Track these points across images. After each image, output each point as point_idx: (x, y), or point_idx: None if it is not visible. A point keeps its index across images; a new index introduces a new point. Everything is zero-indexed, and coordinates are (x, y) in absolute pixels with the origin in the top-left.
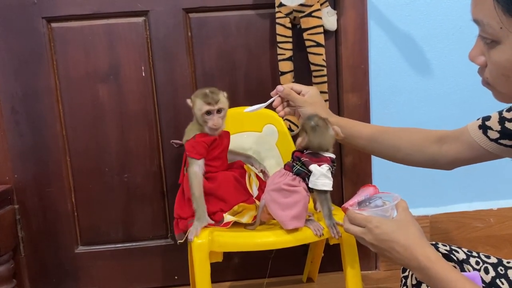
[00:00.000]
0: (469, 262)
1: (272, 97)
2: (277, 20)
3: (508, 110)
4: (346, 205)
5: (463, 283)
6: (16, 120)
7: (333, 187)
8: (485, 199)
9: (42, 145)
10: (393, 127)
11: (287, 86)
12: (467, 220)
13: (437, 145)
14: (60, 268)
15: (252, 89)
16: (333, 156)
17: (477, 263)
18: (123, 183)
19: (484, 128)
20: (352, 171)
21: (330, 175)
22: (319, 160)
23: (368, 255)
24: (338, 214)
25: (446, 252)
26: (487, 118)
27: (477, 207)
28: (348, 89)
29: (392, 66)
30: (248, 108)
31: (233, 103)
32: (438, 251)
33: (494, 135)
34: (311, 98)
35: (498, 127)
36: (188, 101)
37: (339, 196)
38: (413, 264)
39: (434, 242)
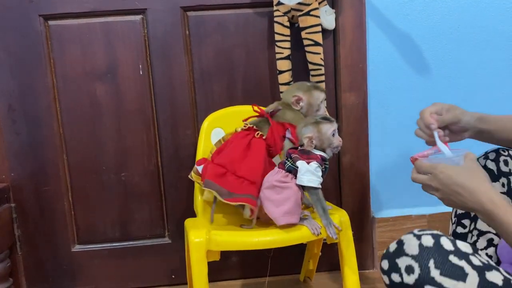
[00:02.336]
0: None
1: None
2: (275, 19)
3: None
4: (415, 156)
5: None
6: (12, 118)
7: (330, 186)
8: None
9: (39, 144)
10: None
11: (428, 117)
12: None
13: None
14: (57, 267)
15: (250, 88)
16: (324, 154)
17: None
18: (120, 182)
19: None
20: (349, 170)
21: (319, 173)
22: (309, 158)
23: (366, 254)
24: (335, 213)
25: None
26: None
27: None
28: (346, 89)
29: (390, 66)
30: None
31: (231, 101)
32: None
33: None
34: (449, 105)
35: None
36: (294, 98)
37: (336, 195)
38: (477, 207)
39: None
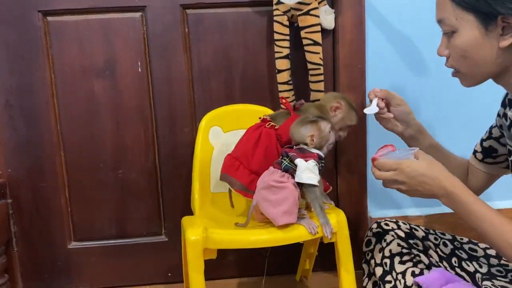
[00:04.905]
0: (429, 238)
1: (370, 99)
2: (275, 18)
3: (485, 134)
4: (375, 156)
5: (481, 205)
6: (10, 114)
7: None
8: (490, 199)
9: (36, 140)
10: (452, 154)
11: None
12: (461, 221)
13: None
14: (53, 263)
15: (249, 87)
16: (321, 153)
17: (436, 239)
18: (117, 179)
19: (474, 152)
20: (346, 169)
21: (316, 171)
22: (306, 156)
23: (362, 253)
24: (332, 212)
25: (408, 231)
26: (476, 144)
27: None
28: (344, 88)
29: (389, 66)
30: (366, 110)
31: (229, 100)
32: (400, 228)
33: (479, 156)
34: (402, 98)
35: (480, 148)
36: (336, 104)
37: (333, 194)
38: (441, 192)
39: (395, 220)
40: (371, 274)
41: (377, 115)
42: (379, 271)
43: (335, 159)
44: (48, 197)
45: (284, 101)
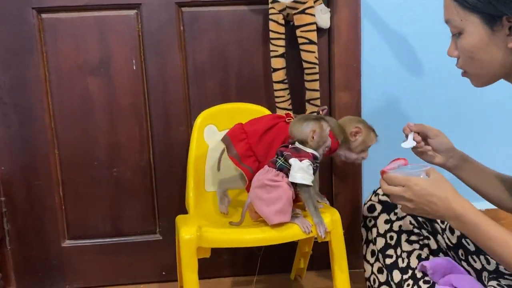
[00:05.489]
0: (436, 220)
1: (405, 134)
2: (270, 17)
3: None
4: (384, 169)
5: (493, 225)
6: (3, 112)
7: (322, 185)
8: (476, 199)
9: (30, 137)
10: (502, 174)
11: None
12: None
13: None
14: (47, 262)
15: (244, 85)
16: (316, 153)
17: (442, 222)
18: (111, 177)
19: None
20: (342, 169)
21: (310, 171)
22: (301, 155)
23: (357, 253)
24: (326, 212)
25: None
26: None
27: None
28: (340, 88)
29: (385, 66)
30: (404, 144)
31: (225, 99)
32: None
33: None
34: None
35: None
36: (354, 130)
37: (328, 194)
38: (449, 213)
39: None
40: (370, 241)
41: (415, 150)
42: (380, 242)
43: (330, 159)
44: (42, 195)
45: (285, 112)
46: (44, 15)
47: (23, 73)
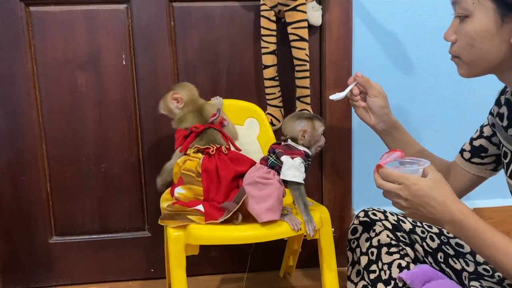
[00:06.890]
0: (416, 231)
1: (348, 83)
2: (262, 13)
3: (476, 132)
4: (380, 163)
5: (493, 232)
6: None
7: (312, 182)
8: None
9: (17, 132)
10: (426, 150)
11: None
12: None
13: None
14: (33, 258)
15: (234, 82)
16: (308, 151)
17: (422, 232)
18: (100, 173)
19: (461, 151)
20: (332, 167)
21: (302, 168)
22: (293, 153)
23: (345, 252)
24: (315, 210)
25: (395, 222)
26: (464, 144)
27: None
28: (330, 85)
29: (375, 64)
30: (332, 96)
31: (215, 94)
32: (387, 219)
33: (467, 155)
34: (382, 90)
35: (469, 147)
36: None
37: (318, 192)
38: (446, 218)
39: (382, 210)
40: (355, 262)
41: (351, 102)
42: (364, 260)
43: (320, 157)
44: (29, 191)
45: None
46: (32, 8)
47: (10, 67)
